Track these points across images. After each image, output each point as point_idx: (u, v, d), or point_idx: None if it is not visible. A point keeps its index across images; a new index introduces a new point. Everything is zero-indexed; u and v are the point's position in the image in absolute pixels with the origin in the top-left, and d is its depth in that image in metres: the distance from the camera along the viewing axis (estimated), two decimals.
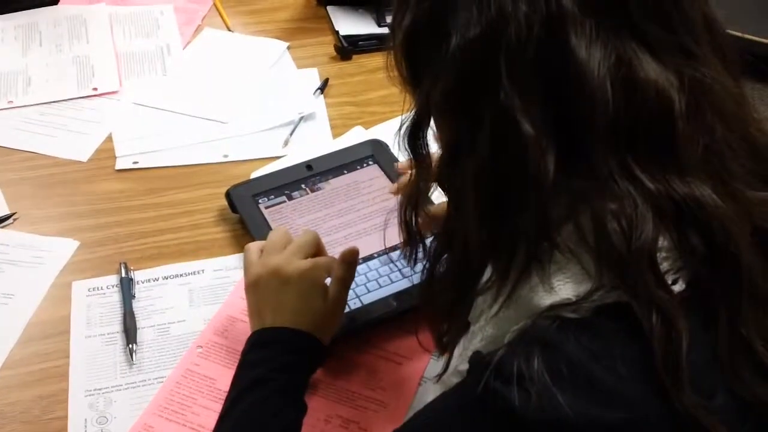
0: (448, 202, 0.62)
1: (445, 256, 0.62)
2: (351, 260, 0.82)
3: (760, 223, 0.54)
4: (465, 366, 0.56)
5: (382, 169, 1.06)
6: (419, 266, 0.92)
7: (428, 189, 0.64)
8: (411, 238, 0.67)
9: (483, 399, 0.51)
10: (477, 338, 0.58)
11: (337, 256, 0.83)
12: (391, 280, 0.93)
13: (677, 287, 0.52)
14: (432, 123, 0.60)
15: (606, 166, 0.51)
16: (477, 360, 0.54)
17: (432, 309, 0.66)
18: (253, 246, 0.85)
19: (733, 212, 0.52)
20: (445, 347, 0.64)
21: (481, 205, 0.55)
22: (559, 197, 0.52)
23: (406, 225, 0.66)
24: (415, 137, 0.61)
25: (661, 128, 0.52)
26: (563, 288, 0.53)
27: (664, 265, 0.52)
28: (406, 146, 0.62)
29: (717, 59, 0.55)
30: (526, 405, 0.48)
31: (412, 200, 0.64)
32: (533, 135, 0.50)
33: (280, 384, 0.73)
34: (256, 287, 0.81)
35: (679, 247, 0.52)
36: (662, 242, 0.52)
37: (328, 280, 0.82)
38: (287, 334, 0.77)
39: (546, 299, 0.53)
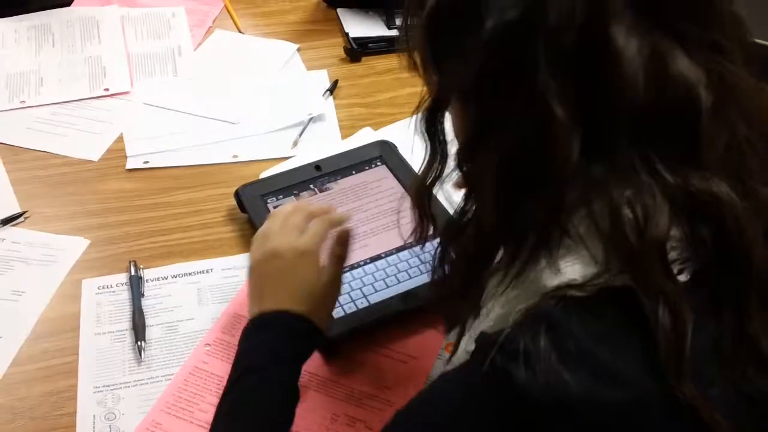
0: (465, 184, 0.62)
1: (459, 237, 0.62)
2: (345, 239, 0.82)
3: None
4: (473, 347, 0.56)
5: (391, 170, 1.06)
6: (427, 266, 0.94)
7: (443, 172, 0.63)
8: (423, 221, 0.67)
9: (489, 376, 0.51)
10: (486, 319, 0.58)
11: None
12: (398, 279, 0.93)
13: (682, 277, 0.52)
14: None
15: (628, 156, 0.52)
16: (483, 339, 0.54)
17: (444, 290, 0.67)
18: (257, 233, 0.85)
19: (749, 210, 0.52)
20: (457, 329, 0.64)
21: (501, 187, 0.55)
22: (576, 183, 0.52)
23: (419, 208, 0.66)
24: (433, 120, 0.61)
25: (685, 124, 0.52)
26: (570, 269, 0.53)
27: (672, 255, 0.52)
28: (423, 129, 0.62)
29: (741, 58, 0.55)
30: (532, 382, 0.49)
31: (427, 183, 0.64)
32: (566, 121, 0.50)
33: (273, 372, 0.73)
34: (254, 271, 0.81)
35: (689, 239, 0.52)
36: (673, 232, 0.52)
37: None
38: (283, 318, 0.75)
39: (553, 280, 0.53)
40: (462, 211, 0.62)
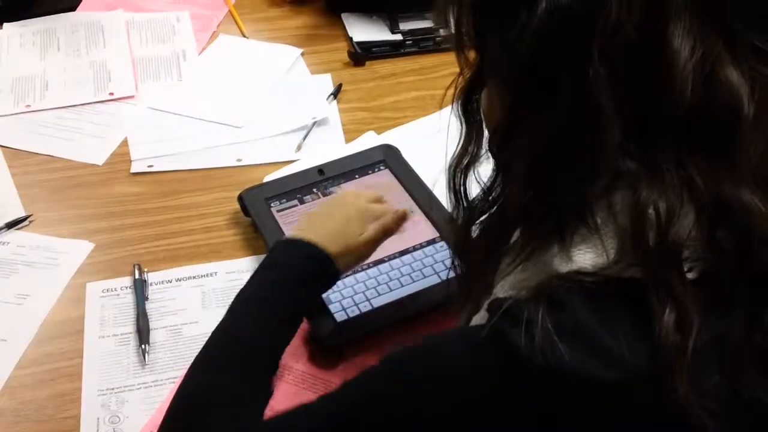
0: (496, 165, 0.62)
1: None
2: (402, 216, 0.89)
3: None
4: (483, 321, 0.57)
5: (394, 174, 1.06)
6: (428, 270, 0.94)
7: (479, 153, 0.63)
8: (458, 202, 0.67)
9: (491, 337, 0.53)
10: (497, 296, 0.59)
11: None
12: (401, 283, 0.93)
13: (690, 275, 0.52)
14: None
15: (664, 155, 0.52)
16: (493, 303, 0.56)
17: (463, 265, 0.68)
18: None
19: None
20: (468, 305, 0.64)
21: (533, 171, 0.55)
22: (605, 173, 0.52)
23: (454, 188, 0.66)
24: (468, 100, 0.61)
25: (726, 131, 0.52)
26: (582, 258, 0.54)
27: (685, 253, 0.52)
28: (459, 109, 0.62)
29: None
30: (528, 347, 0.50)
31: (462, 164, 0.64)
32: (611, 113, 0.50)
33: (288, 284, 0.78)
34: (320, 205, 0.90)
35: (705, 241, 0.52)
36: (693, 234, 0.52)
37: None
38: (312, 247, 0.80)
39: (564, 267, 0.54)
40: (488, 191, 0.63)
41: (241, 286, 0.79)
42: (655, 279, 0.51)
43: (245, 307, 0.77)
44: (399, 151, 1.09)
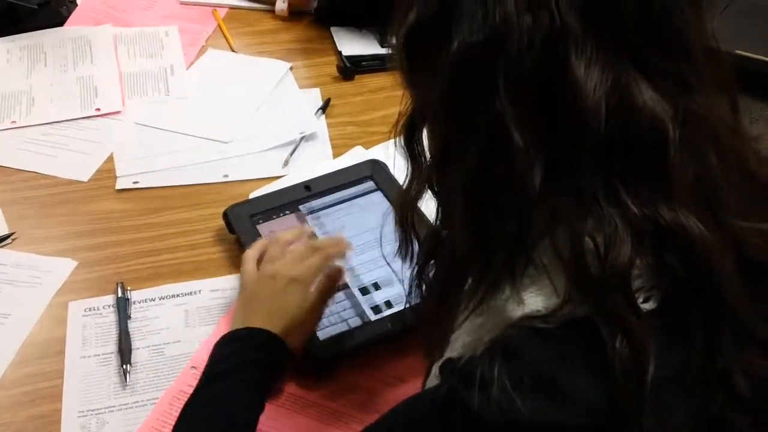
0: (437, 206, 0.62)
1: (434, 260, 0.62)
2: (337, 276, 0.87)
3: (751, 255, 0.53)
4: None
5: (381, 190, 1.05)
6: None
7: (423, 189, 0.63)
8: (406, 239, 0.67)
9: (447, 400, 0.52)
10: (456, 345, 0.58)
11: None
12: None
13: (648, 305, 0.52)
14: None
15: (591, 186, 0.51)
16: (446, 365, 0.55)
17: (419, 314, 0.67)
18: (251, 254, 0.90)
19: (718, 242, 0.51)
20: (431, 353, 0.64)
21: (468, 212, 0.55)
22: (541, 212, 0.52)
23: (401, 225, 0.66)
24: (410, 136, 0.61)
25: (652, 154, 0.51)
26: (534, 300, 0.53)
27: (637, 283, 0.51)
28: (402, 145, 0.62)
29: (715, 91, 0.55)
30: (485, 406, 0.49)
31: (408, 200, 0.64)
32: (523, 146, 0.50)
33: (239, 379, 0.77)
34: (245, 288, 0.87)
35: (654, 268, 0.52)
36: (637, 261, 0.51)
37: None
38: (256, 333, 0.80)
39: (517, 311, 0.53)
40: (435, 232, 0.62)
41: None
42: (602, 311, 0.50)
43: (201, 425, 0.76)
44: (386, 166, 1.08)
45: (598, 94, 0.50)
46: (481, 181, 0.53)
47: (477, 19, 0.51)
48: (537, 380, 0.50)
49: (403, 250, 0.69)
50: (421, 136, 0.61)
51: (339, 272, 0.88)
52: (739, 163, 0.55)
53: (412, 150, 0.62)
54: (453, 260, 0.59)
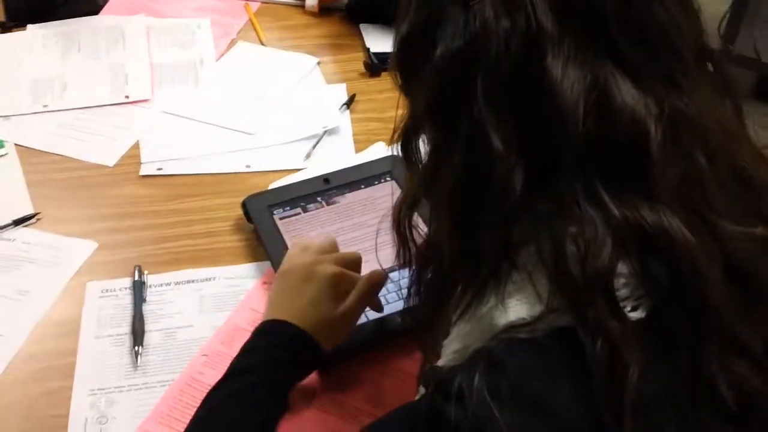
0: (430, 212, 0.62)
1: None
2: (377, 281, 0.84)
3: (738, 260, 0.52)
4: None
5: (400, 186, 1.05)
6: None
7: (419, 195, 0.63)
8: (403, 243, 0.67)
9: (427, 411, 0.51)
10: (447, 351, 0.57)
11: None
12: (398, 296, 0.92)
13: (636, 314, 0.50)
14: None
15: (571, 189, 0.50)
16: (428, 375, 0.54)
17: (414, 319, 0.66)
18: (301, 241, 0.88)
19: (704, 245, 0.50)
20: (427, 357, 0.64)
21: (454, 218, 0.55)
22: (524, 217, 0.52)
23: (399, 229, 0.66)
24: (407, 143, 0.61)
25: (633, 155, 0.50)
26: (518, 308, 0.52)
27: (623, 292, 0.50)
28: (400, 151, 0.62)
29: (711, 92, 0.54)
30: (462, 419, 0.48)
31: (406, 205, 0.65)
32: (503, 151, 0.50)
33: (266, 377, 0.74)
34: (284, 277, 0.84)
35: (641, 275, 0.50)
36: (622, 269, 0.50)
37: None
38: (288, 328, 0.77)
39: (502, 319, 0.53)
40: (429, 239, 0.62)
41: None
42: (584, 319, 0.49)
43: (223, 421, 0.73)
44: None
45: (576, 93, 0.49)
46: (465, 186, 0.53)
47: (459, 26, 0.52)
48: (517, 391, 0.48)
49: (401, 256, 0.69)
50: (418, 143, 0.62)
51: (382, 277, 0.84)
52: (733, 165, 0.54)
53: (408, 157, 0.62)
54: (442, 267, 0.59)
